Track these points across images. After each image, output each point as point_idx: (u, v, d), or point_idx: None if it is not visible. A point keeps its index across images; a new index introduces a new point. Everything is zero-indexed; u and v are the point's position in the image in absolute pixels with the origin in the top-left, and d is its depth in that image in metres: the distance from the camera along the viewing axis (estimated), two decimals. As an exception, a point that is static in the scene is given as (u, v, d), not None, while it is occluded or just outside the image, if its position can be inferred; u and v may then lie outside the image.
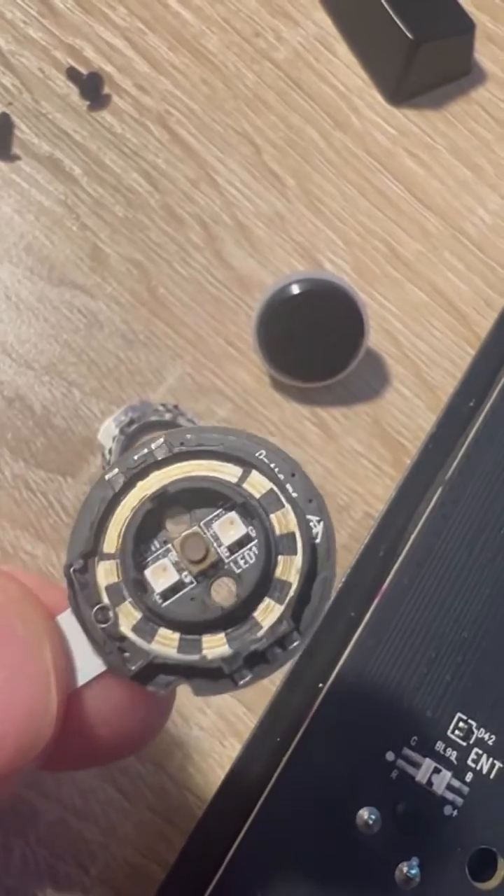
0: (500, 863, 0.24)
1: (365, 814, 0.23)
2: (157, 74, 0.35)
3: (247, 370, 0.31)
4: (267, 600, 0.16)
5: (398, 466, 0.31)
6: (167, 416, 0.30)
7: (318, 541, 0.16)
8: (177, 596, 0.16)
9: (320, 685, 0.25)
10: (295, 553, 0.16)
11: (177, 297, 0.32)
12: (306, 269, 0.33)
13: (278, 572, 0.16)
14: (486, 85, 0.38)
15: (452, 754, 0.25)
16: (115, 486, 0.16)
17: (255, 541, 0.16)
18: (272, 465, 0.16)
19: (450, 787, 0.24)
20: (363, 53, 0.37)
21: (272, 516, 0.16)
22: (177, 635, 0.15)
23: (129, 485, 0.16)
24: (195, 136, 0.34)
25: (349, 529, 0.30)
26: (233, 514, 0.16)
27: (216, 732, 0.27)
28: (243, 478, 0.16)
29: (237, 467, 0.16)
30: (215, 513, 0.16)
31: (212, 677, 0.15)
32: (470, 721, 0.25)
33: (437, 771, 0.24)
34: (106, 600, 0.16)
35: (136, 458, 0.16)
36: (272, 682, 0.27)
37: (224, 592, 0.16)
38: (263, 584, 0.16)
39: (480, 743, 0.25)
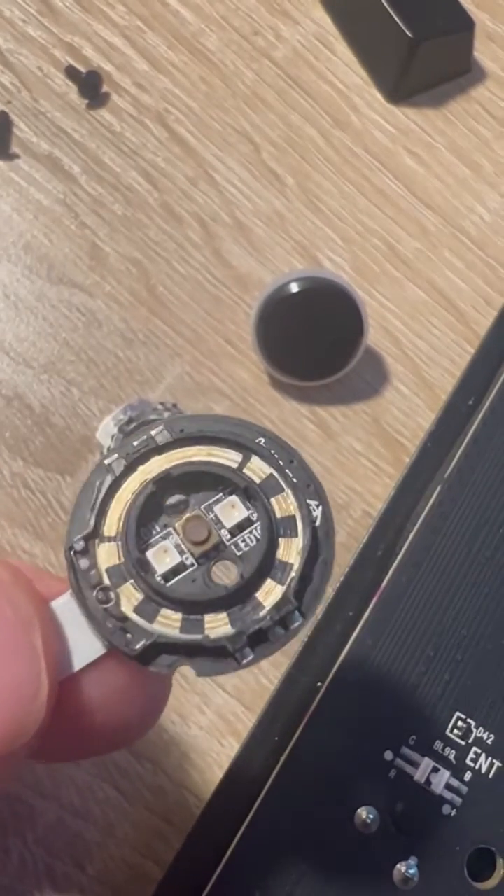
0: (498, 862, 0.24)
1: (363, 813, 0.23)
2: (155, 73, 0.35)
3: (246, 369, 0.31)
4: (269, 581, 0.16)
5: (397, 465, 0.31)
6: (166, 415, 0.30)
7: (317, 523, 0.16)
8: (179, 577, 0.16)
9: (319, 684, 0.25)
10: (296, 535, 0.16)
11: (176, 295, 0.32)
12: (305, 267, 0.33)
13: (280, 553, 0.16)
14: (485, 83, 0.38)
15: (451, 753, 0.24)
16: (116, 471, 0.16)
17: (257, 524, 0.16)
18: (272, 452, 0.16)
19: (448, 787, 0.24)
20: (362, 52, 0.37)
21: (272, 500, 0.16)
22: (179, 615, 0.16)
23: (129, 469, 0.16)
24: (194, 134, 0.34)
25: (348, 528, 0.30)
26: (234, 498, 0.16)
27: (214, 731, 0.27)
28: (244, 463, 0.16)
29: (237, 453, 0.16)
30: (216, 496, 0.16)
31: (214, 657, 0.15)
32: (469, 720, 0.25)
33: (435, 770, 0.24)
34: (107, 581, 0.16)
35: (136, 443, 0.16)
36: (270, 682, 0.27)
37: (224, 576, 0.16)
38: (266, 564, 0.16)
39: (479, 742, 0.25)
